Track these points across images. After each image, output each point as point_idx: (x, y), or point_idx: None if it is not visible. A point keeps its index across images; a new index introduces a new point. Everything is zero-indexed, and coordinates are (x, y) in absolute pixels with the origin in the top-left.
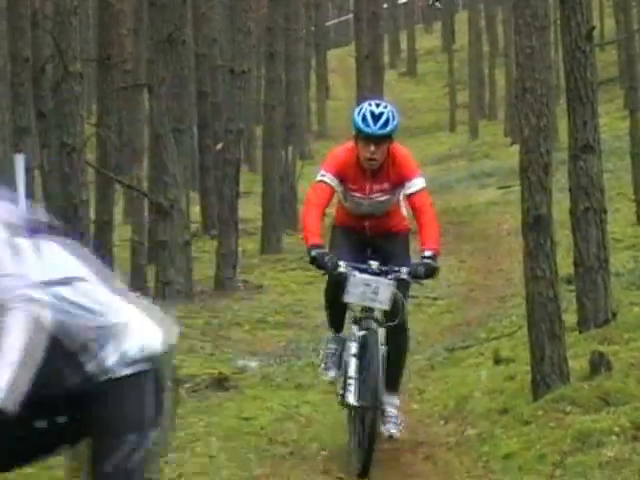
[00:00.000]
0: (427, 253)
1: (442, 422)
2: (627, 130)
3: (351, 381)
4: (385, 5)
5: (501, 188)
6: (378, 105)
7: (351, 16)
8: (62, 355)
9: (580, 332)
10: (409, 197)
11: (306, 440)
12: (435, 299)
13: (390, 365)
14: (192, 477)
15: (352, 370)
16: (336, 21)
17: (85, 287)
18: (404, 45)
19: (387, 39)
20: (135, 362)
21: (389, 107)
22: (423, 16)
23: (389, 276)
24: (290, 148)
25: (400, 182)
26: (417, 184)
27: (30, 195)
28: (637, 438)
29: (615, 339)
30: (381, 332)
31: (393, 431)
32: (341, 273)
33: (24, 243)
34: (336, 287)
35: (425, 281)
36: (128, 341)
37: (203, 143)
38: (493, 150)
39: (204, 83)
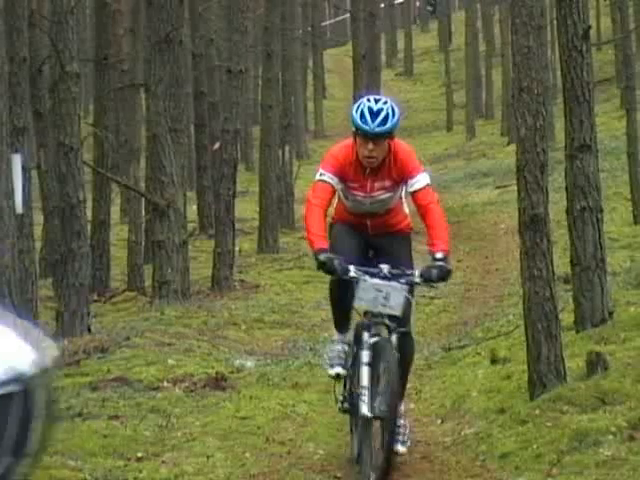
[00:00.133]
0: (438, 255)
1: (439, 421)
2: (623, 130)
3: (364, 391)
4: (382, 5)
5: (498, 188)
6: (377, 101)
7: (348, 16)
8: None
9: (577, 331)
10: (413, 194)
11: (303, 439)
12: (432, 298)
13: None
14: (189, 476)
15: (365, 379)
16: (333, 21)
17: None
18: (401, 45)
19: (384, 39)
20: None
21: (389, 103)
22: (420, 17)
23: (401, 280)
24: (287, 148)
25: (402, 179)
26: (421, 180)
27: (27, 195)
28: (633, 437)
29: (612, 338)
30: (393, 339)
31: (399, 448)
32: (352, 278)
33: None
34: (340, 288)
35: (438, 284)
36: None
37: (200, 143)
38: (490, 150)
39: (201, 83)
